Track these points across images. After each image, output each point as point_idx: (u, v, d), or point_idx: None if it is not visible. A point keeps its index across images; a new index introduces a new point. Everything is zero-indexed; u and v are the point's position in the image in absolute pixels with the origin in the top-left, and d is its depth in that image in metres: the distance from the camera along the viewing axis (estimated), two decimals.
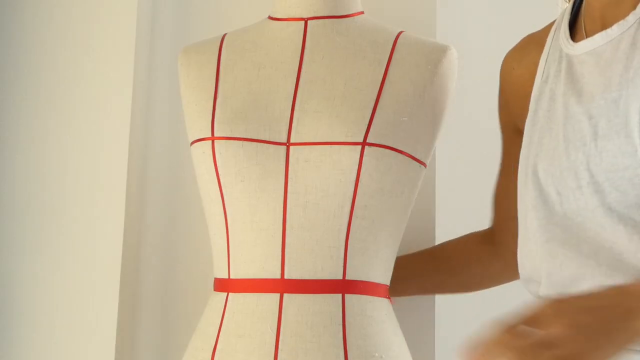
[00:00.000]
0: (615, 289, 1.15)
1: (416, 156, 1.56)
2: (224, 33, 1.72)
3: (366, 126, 1.50)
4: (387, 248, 1.54)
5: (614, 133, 1.29)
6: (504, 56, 1.69)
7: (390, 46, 1.60)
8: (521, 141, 1.52)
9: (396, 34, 1.63)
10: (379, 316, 1.53)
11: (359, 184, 1.49)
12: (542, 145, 1.41)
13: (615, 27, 1.37)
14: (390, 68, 1.57)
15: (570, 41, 1.45)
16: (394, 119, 1.53)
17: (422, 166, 1.58)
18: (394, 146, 1.52)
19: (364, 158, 1.49)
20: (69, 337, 2.07)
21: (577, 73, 1.40)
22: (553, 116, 1.42)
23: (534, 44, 1.57)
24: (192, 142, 1.59)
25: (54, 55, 2.17)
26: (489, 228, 1.78)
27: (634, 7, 1.37)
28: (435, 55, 1.60)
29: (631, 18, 1.36)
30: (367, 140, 1.49)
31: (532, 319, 1.10)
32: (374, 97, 1.54)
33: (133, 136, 2.11)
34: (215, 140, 1.53)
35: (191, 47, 1.72)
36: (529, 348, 1.06)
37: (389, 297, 1.57)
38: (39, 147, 2.15)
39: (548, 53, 1.50)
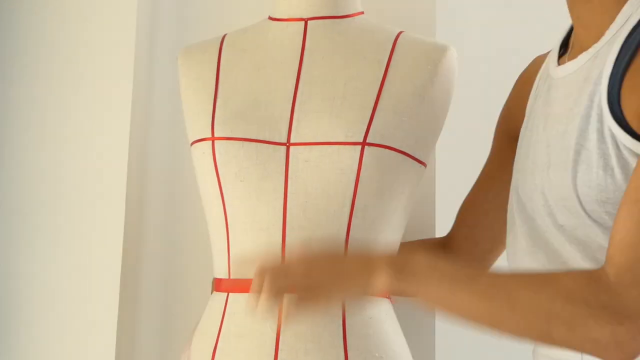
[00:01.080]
0: (357, 255, 1.30)
1: (416, 156, 1.56)
2: (224, 33, 1.72)
3: (366, 126, 1.50)
4: (386, 247, 1.54)
5: (558, 164, 1.34)
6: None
7: (390, 46, 1.60)
8: (508, 154, 1.61)
9: (396, 34, 1.63)
10: (379, 316, 1.52)
11: (359, 184, 1.49)
12: (520, 164, 1.47)
13: (580, 56, 1.39)
14: (390, 68, 1.57)
15: (555, 63, 1.47)
16: (394, 119, 1.53)
17: (422, 166, 1.58)
18: (394, 146, 1.52)
19: (364, 158, 1.49)
20: (70, 337, 2.07)
21: (551, 97, 1.44)
22: (531, 137, 1.46)
23: (539, 62, 1.59)
24: (193, 143, 1.59)
25: (54, 55, 2.17)
26: (445, 236, 1.77)
27: (598, 39, 1.37)
28: (435, 55, 1.60)
29: (592, 50, 1.37)
30: (367, 140, 1.50)
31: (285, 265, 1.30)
32: (374, 97, 1.54)
33: (133, 136, 2.10)
34: (215, 141, 1.53)
35: (191, 48, 1.72)
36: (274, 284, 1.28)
37: (389, 297, 1.57)
38: (39, 146, 2.15)
39: (541, 73, 1.54)
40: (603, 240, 1.30)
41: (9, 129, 2.17)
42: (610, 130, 1.28)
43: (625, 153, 1.28)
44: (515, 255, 1.46)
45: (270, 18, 1.69)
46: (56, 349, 2.07)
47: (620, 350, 1.19)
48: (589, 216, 1.31)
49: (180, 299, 2.14)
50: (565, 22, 2.34)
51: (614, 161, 1.28)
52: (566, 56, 1.47)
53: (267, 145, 1.52)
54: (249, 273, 1.50)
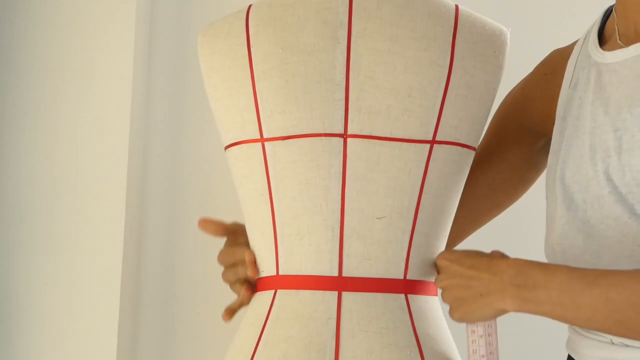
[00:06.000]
0: (492, 265, 1.37)
1: (475, 145, 1.49)
2: (248, 4, 1.53)
3: (435, 123, 1.44)
4: (444, 245, 1.49)
5: (637, 148, 1.31)
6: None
7: (452, 25, 1.48)
8: (523, 139, 1.60)
9: (454, 9, 1.50)
10: (441, 318, 1.48)
11: (426, 182, 1.44)
12: (570, 153, 1.43)
13: None
14: (455, 58, 1.46)
15: (600, 49, 1.44)
16: (461, 113, 1.46)
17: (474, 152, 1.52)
18: (461, 142, 1.46)
19: (432, 156, 1.43)
20: (71, 337, 2.08)
21: (605, 82, 1.40)
22: (581, 125, 1.42)
23: (565, 54, 1.56)
24: (234, 144, 1.49)
25: (53, 56, 2.17)
26: None
27: None
28: (498, 42, 1.51)
29: None
30: (437, 139, 1.44)
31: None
32: (442, 92, 1.44)
33: (133, 136, 2.11)
34: (265, 142, 1.44)
35: (211, 30, 1.53)
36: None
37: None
38: (39, 147, 2.15)
39: (577, 60, 1.50)
40: None
41: (8, 130, 2.15)
42: None
43: None
44: (565, 253, 1.42)
45: None
46: (57, 350, 2.08)
47: None
48: None
49: (180, 299, 2.15)
50: (562, 21, 2.35)
51: None
52: (613, 42, 1.44)
53: (320, 138, 1.42)
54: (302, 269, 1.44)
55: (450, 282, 1.40)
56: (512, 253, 1.43)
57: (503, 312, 1.37)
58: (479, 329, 1.41)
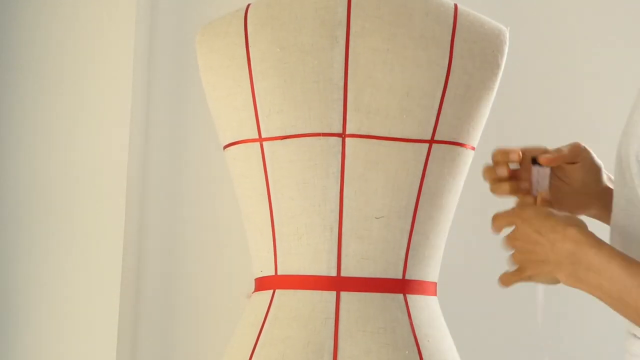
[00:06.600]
0: (554, 232, 1.29)
1: (475, 145, 1.50)
2: (247, 4, 1.53)
3: (434, 123, 1.44)
4: (443, 244, 1.50)
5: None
6: None
7: (451, 23, 1.48)
8: None
9: (453, 8, 1.50)
10: (440, 318, 1.48)
11: (424, 182, 1.44)
12: (628, 126, 1.35)
13: None
14: (454, 58, 1.46)
15: None
16: (460, 113, 1.46)
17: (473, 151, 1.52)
18: (460, 141, 1.46)
19: (431, 156, 1.44)
20: (70, 337, 2.09)
21: None
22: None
23: None
24: (233, 143, 1.49)
25: (54, 56, 2.18)
26: None
27: None
28: (497, 41, 1.51)
29: None
30: (435, 138, 1.44)
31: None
32: (440, 92, 1.45)
33: (133, 136, 2.11)
34: (263, 142, 1.45)
35: (209, 29, 1.53)
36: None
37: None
38: (38, 147, 2.15)
39: None
40: None
41: (8, 130, 2.16)
42: None
43: None
44: (618, 237, 1.36)
45: None
46: (57, 350, 2.09)
47: None
48: None
49: (180, 299, 2.16)
50: (562, 21, 2.35)
51: None
52: None
53: (319, 138, 1.43)
54: (300, 269, 1.44)
55: (515, 244, 1.34)
56: None
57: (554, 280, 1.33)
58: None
